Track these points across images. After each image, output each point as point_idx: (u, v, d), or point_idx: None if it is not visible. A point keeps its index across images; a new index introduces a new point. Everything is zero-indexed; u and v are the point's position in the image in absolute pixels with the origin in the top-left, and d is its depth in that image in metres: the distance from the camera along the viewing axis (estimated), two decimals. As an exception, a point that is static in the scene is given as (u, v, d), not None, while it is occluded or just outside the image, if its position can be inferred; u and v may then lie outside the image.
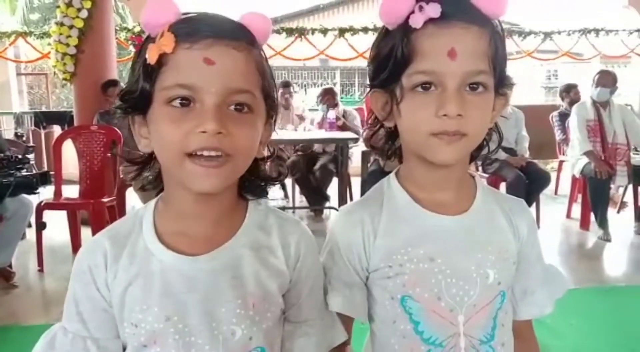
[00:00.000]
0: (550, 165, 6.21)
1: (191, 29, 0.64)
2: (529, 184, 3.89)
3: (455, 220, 0.76)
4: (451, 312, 0.75)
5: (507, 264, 0.78)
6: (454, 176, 0.77)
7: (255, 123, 0.68)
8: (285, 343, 0.76)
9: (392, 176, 0.81)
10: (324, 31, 6.75)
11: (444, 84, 0.68)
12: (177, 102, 0.64)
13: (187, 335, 0.68)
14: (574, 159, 4.16)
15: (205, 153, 0.64)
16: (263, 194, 0.77)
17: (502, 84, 0.74)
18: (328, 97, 4.99)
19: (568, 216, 4.47)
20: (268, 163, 0.77)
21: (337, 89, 14.00)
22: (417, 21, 0.67)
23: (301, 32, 6.80)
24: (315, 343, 0.77)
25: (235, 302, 0.70)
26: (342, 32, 6.69)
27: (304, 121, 5.07)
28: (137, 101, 0.67)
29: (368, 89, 0.78)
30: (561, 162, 5.16)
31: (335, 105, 4.96)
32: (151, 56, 0.63)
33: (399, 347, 0.77)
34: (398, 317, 0.77)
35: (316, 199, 4.76)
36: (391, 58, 0.70)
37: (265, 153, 0.75)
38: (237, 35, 0.66)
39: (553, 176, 4.57)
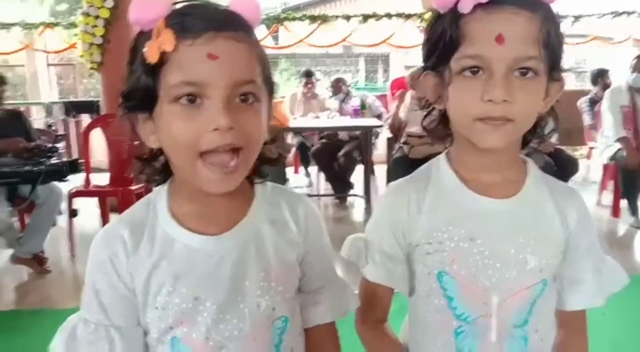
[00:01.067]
0: (579, 152, 6.08)
1: (189, 24, 0.63)
2: (557, 171, 3.81)
3: (500, 203, 0.77)
4: (485, 292, 0.76)
5: (552, 252, 0.78)
6: (502, 159, 0.78)
7: (261, 111, 0.69)
8: (302, 312, 0.80)
9: (442, 156, 0.83)
10: (347, 17, 6.69)
11: (491, 69, 0.68)
12: (184, 100, 0.63)
13: (215, 312, 0.70)
14: (603, 146, 4.07)
15: (216, 158, 0.64)
16: (266, 176, 0.79)
17: (556, 69, 0.73)
18: (340, 86, 5.00)
19: (599, 203, 4.38)
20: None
21: (362, 75, 13.95)
22: (465, 6, 0.68)
23: (324, 19, 6.76)
24: (330, 309, 0.81)
25: (259, 274, 0.73)
26: (365, 18, 6.62)
27: (327, 109, 5.07)
28: (142, 100, 0.66)
29: (421, 72, 0.79)
30: (590, 148, 5.05)
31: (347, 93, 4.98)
32: (151, 55, 0.62)
33: (432, 321, 0.80)
34: (433, 292, 0.79)
35: (340, 186, 4.76)
36: (441, 42, 0.72)
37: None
38: (235, 26, 0.65)
39: (582, 163, 4.47)
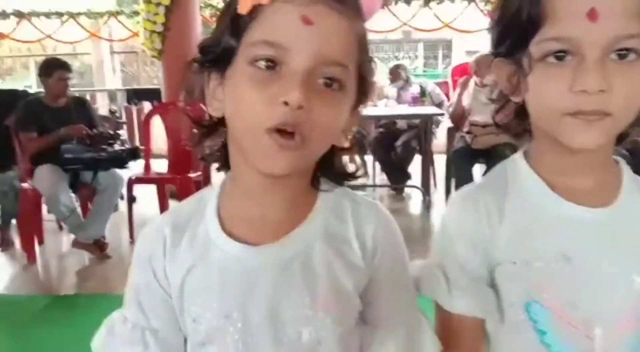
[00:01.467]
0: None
1: None
2: (634, 165, 3.54)
3: (597, 213, 0.65)
4: (586, 323, 0.64)
5: None
6: (595, 161, 0.65)
7: (342, 103, 0.59)
8: (363, 351, 0.66)
9: (518, 157, 0.70)
10: (408, 1, 6.48)
11: (582, 53, 0.56)
12: (262, 63, 0.55)
13: (247, 335, 0.61)
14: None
15: (281, 140, 0.55)
16: (340, 183, 0.68)
17: None
18: (399, 73, 4.83)
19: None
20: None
21: (420, 61, 13.62)
22: None
23: (384, 3, 6.57)
24: None
25: (302, 300, 0.62)
26: (427, 1, 6.38)
27: (385, 97, 4.94)
28: (219, 55, 0.59)
29: (493, 57, 0.67)
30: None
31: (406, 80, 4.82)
32: (244, 5, 0.55)
33: None
34: (520, 324, 0.67)
35: (397, 177, 4.64)
36: (517, 22, 0.59)
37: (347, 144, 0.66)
38: None
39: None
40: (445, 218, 0.72)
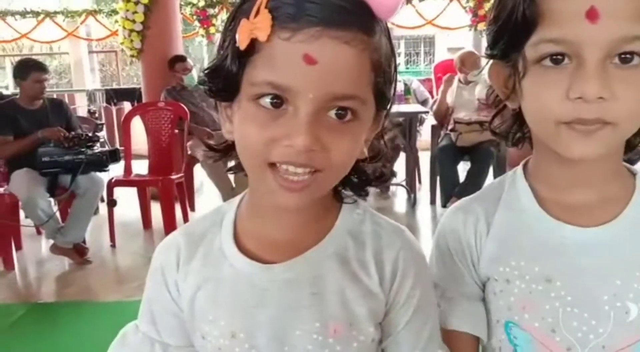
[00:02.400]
0: None
1: (294, 10, 0.48)
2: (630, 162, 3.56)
3: (591, 233, 0.60)
4: (569, 351, 0.59)
5: None
6: (598, 172, 0.60)
7: (358, 133, 0.54)
8: None
9: (519, 169, 0.66)
10: (390, -2, 6.46)
11: (581, 56, 0.51)
12: (266, 101, 0.51)
13: None
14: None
15: (291, 169, 0.51)
16: (363, 193, 0.64)
17: None
18: None
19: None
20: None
21: (402, 58, 13.63)
22: None
23: (366, 1, 6.56)
24: None
25: (312, 324, 0.58)
26: (409, -2, 6.37)
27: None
28: (224, 86, 0.54)
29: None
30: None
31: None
32: (241, 40, 0.50)
33: None
34: (503, 345, 0.63)
35: (383, 175, 4.62)
36: (511, 22, 0.54)
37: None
38: (353, 22, 0.49)
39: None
40: (438, 230, 0.70)
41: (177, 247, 0.64)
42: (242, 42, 0.50)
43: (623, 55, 0.51)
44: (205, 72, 0.56)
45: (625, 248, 0.59)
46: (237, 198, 0.65)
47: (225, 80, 0.54)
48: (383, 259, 0.61)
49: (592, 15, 0.49)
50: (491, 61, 0.62)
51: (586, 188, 0.61)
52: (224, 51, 0.54)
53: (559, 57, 0.53)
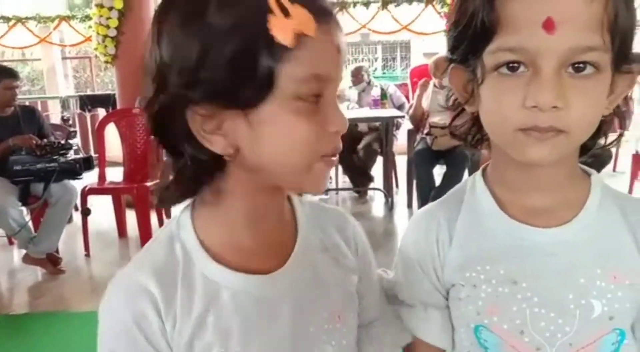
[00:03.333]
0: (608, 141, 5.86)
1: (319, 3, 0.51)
2: (587, 163, 3.64)
3: (550, 233, 0.61)
4: (538, 351, 0.60)
5: (627, 293, 0.59)
6: (555, 176, 0.61)
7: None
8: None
9: (478, 174, 0.67)
10: (366, 3, 6.51)
11: (537, 65, 0.52)
12: (311, 98, 0.52)
13: None
14: (638, 133, 3.88)
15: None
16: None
17: (624, 59, 0.55)
18: (361, 75, 4.86)
19: (630, 194, 4.20)
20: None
21: (380, 63, 13.72)
22: None
23: (342, 6, 6.58)
24: (385, 346, 0.69)
25: (321, 316, 0.60)
26: (385, 3, 6.43)
27: (346, 100, 4.94)
28: (252, 91, 0.49)
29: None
30: (620, 136, 4.83)
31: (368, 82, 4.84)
32: (285, 36, 0.48)
33: None
34: (473, 349, 0.64)
35: (360, 179, 4.64)
36: (470, 28, 0.55)
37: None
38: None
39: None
40: (402, 239, 0.71)
41: (148, 293, 0.54)
42: (286, 39, 0.48)
43: (576, 65, 0.52)
44: (222, 75, 0.49)
45: (586, 247, 0.60)
46: (186, 216, 0.58)
47: (255, 81, 0.49)
48: (347, 235, 0.67)
49: (548, 26, 0.51)
50: (451, 65, 0.62)
51: (543, 191, 0.62)
52: (244, 53, 0.48)
53: (516, 65, 0.53)
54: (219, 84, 0.49)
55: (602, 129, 0.61)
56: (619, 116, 0.62)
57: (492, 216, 0.63)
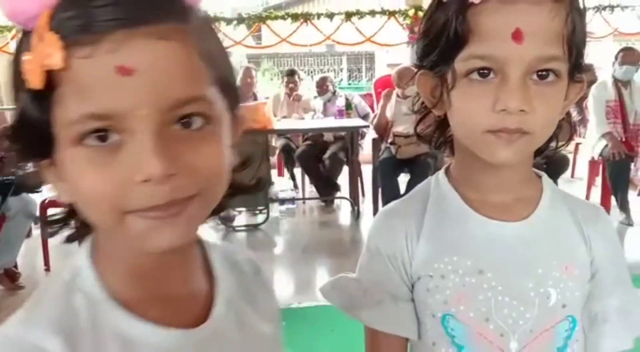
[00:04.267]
0: (565, 148, 6.06)
1: (84, 20, 0.39)
2: (546, 169, 3.74)
3: (512, 227, 0.66)
4: (502, 337, 0.64)
5: (576, 283, 0.66)
6: (515, 176, 0.66)
7: (217, 134, 0.46)
8: None
9: (441, 173, 0.71)
10: (330, 15, 6.59)
11: (505, 72, 0.57)
12: (92, 140, 0.41)
13: None
14: (593, 141, 4.03)
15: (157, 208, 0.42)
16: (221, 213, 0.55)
17: (578, 68, 0.62)
18: (327, 86, 4.92)
19: (587, 199, 4.34)
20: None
21: (345, 74, 13.86)
22: None
23: (307, 17, 6.65)
24: None
25: None
26: (348, 16, 6.52)
27: (312, 110, 4.98)
28: (34, 142, 0.43)
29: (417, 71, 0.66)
30: (577, 144, 5.01)
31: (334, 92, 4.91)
32: (32, 78, 0.40)
33: None
34: (438, 339, 0.67)
35: (326, 189, 4.67)
36: (443, 37, 0.59)
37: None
38: (161, 12, 0.41)
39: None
40: (369, 234, 0.73)
41: None
42: (34, 80, 0.40)
43: (540, 73, 0.58)
44: (10, 130, 0.44)
45: (542, 240, 0.66)
46: (83, 259, 0.49)
47: (34, 134, 0.43)
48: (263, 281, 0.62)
49: (517, 36, 0.56)
50: (420, 71, 0.66)
51: (505, 190, 0.67)
52: (19, 102, 0.43)
53: (486, 71, 0.58)
54: (21, 135, 0.44)
55: (555, 133, 0.66)
56: (570, 122, 0.69)
57: (459, 211, 0.67)
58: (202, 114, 0.44)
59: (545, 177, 0.70)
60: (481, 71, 0.58)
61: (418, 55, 0.66)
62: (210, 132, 0.45)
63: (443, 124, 0.69)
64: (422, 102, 0.69)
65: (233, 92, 0.49)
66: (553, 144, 0.68)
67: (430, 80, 0.64)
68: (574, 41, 0.59)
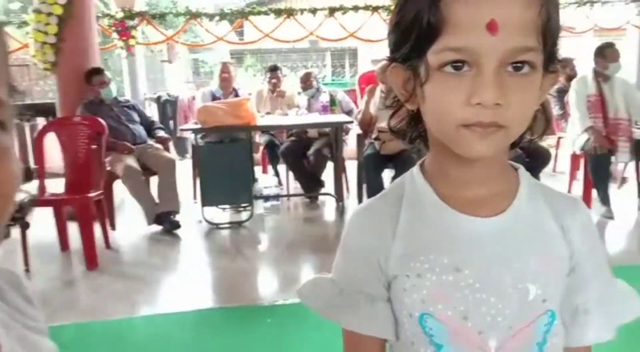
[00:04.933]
0: (546, 142, 6.12)
1: None
2: (528, 163, 3.78)
3: (489, 222, 0.64)
4: (480, 334, 0.62)
5: (556, 276, 0.64)
6: (491, 170, 0.64)
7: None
8: None
9: (416, 168, 0.69)
10: (314, 11, 6.56)
11: (480, 64, 0.55)
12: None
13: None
14: (574, 136, 4.07)
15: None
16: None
17: (552, 60, 0.60)
18: (311, 81, 4.90)
19: (569, 192, 4.38)
20: None
21: (329, 70, 13.83)
22: None
23: (290, 13, 6.61)
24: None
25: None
26: (332, 11, 6.50)
27: (296, 106, 4.95)
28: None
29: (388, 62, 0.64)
30: (559, 138, 5.06)
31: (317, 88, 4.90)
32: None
33: None
34: (417, 339, 0.65)
35: (311, 185, 4.65)
36: (414, 29, 0.57)
37: None
38: None
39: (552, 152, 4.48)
40: (344, 233, 0.71)
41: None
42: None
43: (515, 64, 0.56)
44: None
45: (520, 234, 0.64)
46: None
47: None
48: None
49: (492, 27, 0.54)
50: (392, 64, 0.64)
51: (480, 184, 0.65)
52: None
53: (460, 64, 0.56)
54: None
55: (530, 124, 0.64)
56: (545, 114, 0.67)
57: (434, 207, 0.65)
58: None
59: (522, 169, 0.69)
60: (455, 64, 0.56)
61: (390, 48, 0.64)
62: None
63: (416, 118, 0.66)
64: (395, 96, 0.67)
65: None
66: (528, 136, 0.66)
67: (402, 73, 0.62)
68: (549, 31, 0.57)
